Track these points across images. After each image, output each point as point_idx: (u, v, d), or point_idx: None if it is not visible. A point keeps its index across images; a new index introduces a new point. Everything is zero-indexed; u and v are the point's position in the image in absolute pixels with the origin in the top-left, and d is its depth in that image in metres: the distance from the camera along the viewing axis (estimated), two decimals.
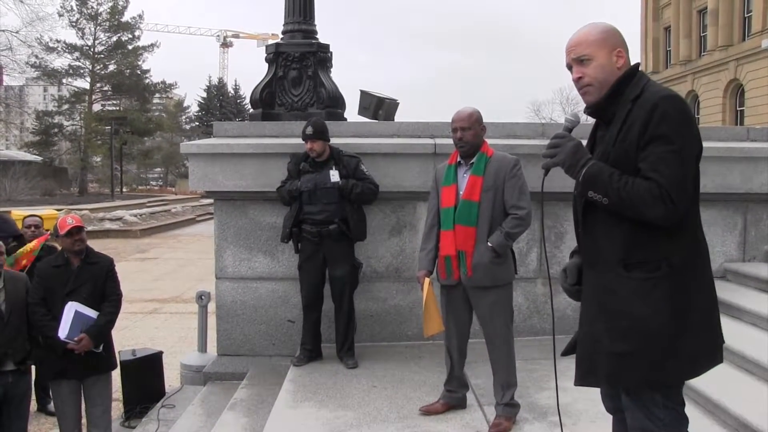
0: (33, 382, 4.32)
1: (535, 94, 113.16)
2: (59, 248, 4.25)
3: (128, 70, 41.34)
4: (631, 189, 1.91)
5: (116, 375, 4.53)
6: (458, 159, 3.49)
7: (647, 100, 1.96)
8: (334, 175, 4.40)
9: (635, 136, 1.95)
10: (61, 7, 37.99)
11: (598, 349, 2.04)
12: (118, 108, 43.32)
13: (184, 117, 56.76)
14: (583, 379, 2.11)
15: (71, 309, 3.88)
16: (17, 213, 13.68)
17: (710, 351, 2.04)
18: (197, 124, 52.64)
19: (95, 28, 39.52)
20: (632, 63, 2.09)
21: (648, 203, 1.89)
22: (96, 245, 4.51)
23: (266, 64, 5.84)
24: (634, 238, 1.97)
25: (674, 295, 1.95)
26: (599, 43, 2.05)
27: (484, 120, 3.52)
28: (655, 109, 1.92)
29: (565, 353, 2.23)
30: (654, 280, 1.95)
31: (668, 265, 1.95)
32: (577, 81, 2.09)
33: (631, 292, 1.98)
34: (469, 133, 3.40)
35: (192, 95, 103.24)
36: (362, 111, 6.09)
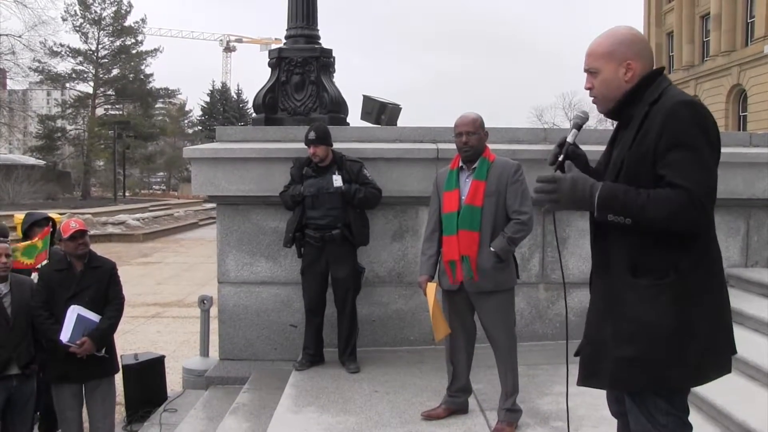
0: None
1: (537, 98, 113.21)
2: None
3: (131, 75, 41.47)
4: (656, 201, 1.86)
5: (118, 379, 4.53)
6: (460, 164, 3.50)
7: (664, 105, 1.95)
8: (337, 180, 4.41)
9: (652, 141, 1.93)
10: (65, 11, 38.24)
11: (603, 352, 2.04)
12: (121, 112, 43.45)
13: (186, 121, 56.88)
14: (586, 380, 2.11)
15: (73, 313, 3.88)
16: (21, 217, 13.66)
17: (717, 359, 2.01)
18: (200, 128, 52.67)
19: (99, 33, 39.68)
20: (655, 67, 2.08)
21: (677, 212, 1.84)
22: (99, 249, 4.52)
23: (269, 69, 5.85)
24: (643, 245, 1.96)
25: (681, 301, 1.94)
26: (607, 57, 2.05)
27: (486, 125, 3.54)
28: (673, 114, 1.90)
29: (577, 354, 2.23)
30: (661, 286, 1.95)
31: (676, 272, 1.94)
32: (588, 90, 2.12)
33: (638, 297, 1.97)
34: (474, 138, 3.41)
35: (195, 99, 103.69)
36: (365, 116, 6.10)
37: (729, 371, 2.04)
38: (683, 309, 1.94)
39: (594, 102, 2.13)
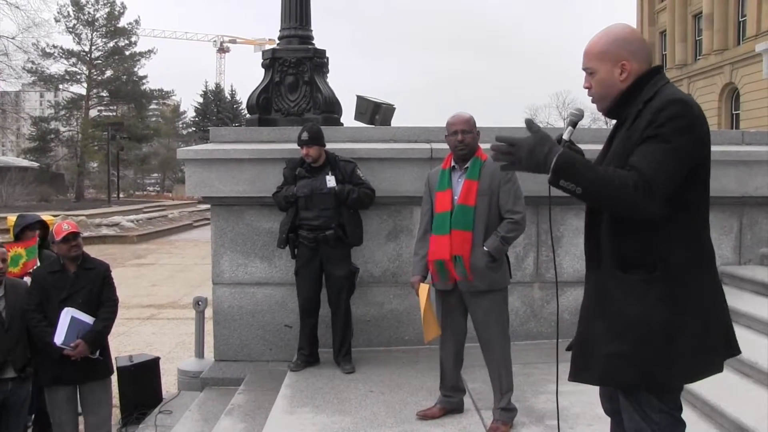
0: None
1: (531, 98, 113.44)
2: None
3: (125, 76, 41.36)
4: (606, 177, 1.87)
5: (113, 381, 4.51)
6: (452, 163, 3.51)
7: (657, 103, 1.96)
8: (330, 181, 4.40)
9: (638, 136, 1.94)
10: (58, 12, 38.10)
11: (594, 348, 2.05)
12: (115, 114, 43.32)
13: (180, 122, 56.73)
14: (576, 375, 2.12)
15: (67, 315, 3.87)
16: (14, 219, 13.58)
17: (707, 359, 2.00)
18: (194, 129, 52.57)
19: (92, 34, 39.55)
20: (654, 65, 2.09)
21: (620, 190, 1.84)
22: (93, 251, 4.50)
23: (263, 70, 5.85)
24: (633, 240, 1.97)
25: (670, 299, 1.94)
26: (601, 57, 2.07)
27: (479, 124, 3.55)
28: (661, 111, 1.91)
29: (569, 349, 2.24)
30: (650, 281, 1.95)
31: (665, 267, 1.95)
32: (587, 89, 2.14)
33: (626, 293, 1.98)
34: (469, 137, 3.43)
35: (188, 100, 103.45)
36: (359, 116, 6.10)
37: (720, 371, 2.03)
38: (672, 306, 1.94)
39: (593, 101, 2.15)
